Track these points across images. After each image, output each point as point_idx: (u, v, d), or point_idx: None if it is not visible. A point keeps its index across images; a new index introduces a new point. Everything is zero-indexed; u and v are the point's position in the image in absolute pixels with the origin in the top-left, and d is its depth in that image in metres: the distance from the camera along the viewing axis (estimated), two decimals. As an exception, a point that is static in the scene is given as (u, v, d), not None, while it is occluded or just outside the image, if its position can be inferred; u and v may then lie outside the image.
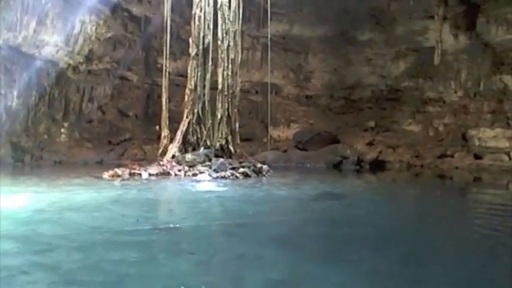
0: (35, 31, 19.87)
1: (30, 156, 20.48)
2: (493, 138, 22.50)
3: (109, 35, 23.28)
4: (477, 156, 21.88)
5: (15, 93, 20.40)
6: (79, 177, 13.57)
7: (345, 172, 20.12)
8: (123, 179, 13.45)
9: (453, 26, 22.66)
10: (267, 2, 18.56)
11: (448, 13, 22.08)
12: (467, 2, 21.85)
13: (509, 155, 21.39)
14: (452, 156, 22.33)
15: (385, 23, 24.53)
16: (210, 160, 15.94)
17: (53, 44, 20.93)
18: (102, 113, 24.49)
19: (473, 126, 23.16)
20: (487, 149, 22.28)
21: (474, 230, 6.95)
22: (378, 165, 21.98)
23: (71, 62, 22.49)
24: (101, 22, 22.58)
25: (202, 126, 17.50)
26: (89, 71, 23.54)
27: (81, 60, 22.83)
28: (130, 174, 14.26)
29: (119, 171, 14.19)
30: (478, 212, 9.16)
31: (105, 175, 13.61)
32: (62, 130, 22.60)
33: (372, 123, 25.79)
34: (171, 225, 6.93)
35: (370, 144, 24.19)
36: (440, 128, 24.49)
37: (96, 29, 22.49)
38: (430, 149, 23.14)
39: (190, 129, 17.34)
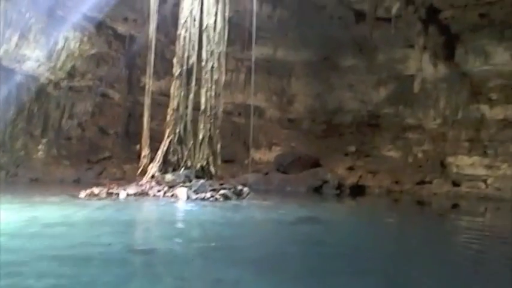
0: (16, 45, 19.63)
1: (5, 173, 19.96)
2: (470, 166, 22.85)
3: (92, 51, 23.14)
4: (455, 183, 22.15)
5: (-8, 107, 20.02)
6: (54, 195, 13.24)
7: (325, 196, 20.11)
8: (100, 199, 13.17)
9: (433, 55, 23.18)
10: (252, 25, 18.74)
11: (428, 43, 22.60)
12: (446, 32, 22.45)
13: (486, 183, 21.72)
14: (430, 183, 22.55)
15: (368, 51, 24.99)
16: (190, 181, 15.76)
17: (34, 59, 20.69)
18: (82, 130, 24.14)
19: (451, 154, 23.51)
20: (465, 176, 22.57)
21: (446, 255, 6.95)
22: (357, 190, 22.03)
23: (52, 77, 22.21)
24: (85, 39, 22.46)
25: (183, 146, 17.34)
26: (70, 88, 23.26)
27: (63, 76, 22.58)
28: (107, 193, 13.98)
29: (96, 190, 13.90)
30: (453, 238, 9.20)
31: (82, 194, 13.32)
32: (40, 146, 22.14)
33: (352, 148, 25.99)
34: (146, 247, 6.75)
35: (350, 168, 24.30)
36: (420, 155, 24.79)
37: (79, 45, 22.34)
38: (409, 175, 23.34)
39: (171, 149, 17.17)
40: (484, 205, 18.09)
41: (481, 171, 22.37)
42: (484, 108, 22.91)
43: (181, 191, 14.52)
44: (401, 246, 7.98)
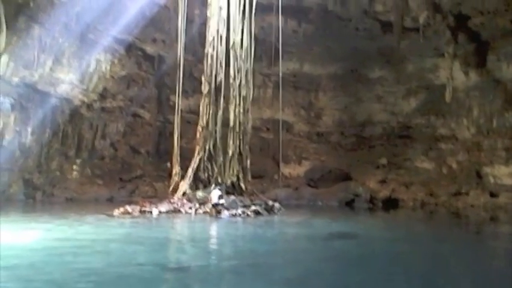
0: (51, 69, 20.32)
1: (41, 193, 20.51)
2: (509, 176, 22.01)
3: (123, 73, 23.71)
4: (493, 194, 21.38)
5: (29, 130, 20.67)
6: (89, 214, 13.48)
7: (357, 210, 19.78)
8: (134, 217, 13.33)
9: (463, 63, 22.67)
10: (278, 41, 18.87)
11: (458, 51, 22.13)
12: (477, 39, 21.96)
13: (526, 193, 20.86)
14: (467, 194, 21.84)
15: (395, 61, 24.67)
16: (221, 197, 15.79)
17: (68, 81, 21.35)
18: (114, 149, 24.63)
19: (488, 164, 22.74)
20: (503, 186, 21.77)
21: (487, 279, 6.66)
22: (391, 203, 21.60)
23: (85, 99, 22.85)
24: (116, 61, 23.05)
25: (213, 163, 17.45)
26: (103, 109, 23.86)
27: (95, 98, 23.19)
28: (140, 211, 14.16)
29: (129, 208, 14.11)
30: (495, 256, 8.84)
31: (116, 212, 13.51)
32: (74, 167, 22.69)
33: (383, 161, 25.51)
34: (181, 265, 6.75)
35: (382, 181, 23.84)
36: (454, 166, 24.10)
37: (110, 67, 22.94)
38: (444, 186, 22.71)
39: (202, 166, 17.30)
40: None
41: (520, 181, 21.53)
42: (520, 116, 22.14)
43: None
44: (436, 264, 7.69)
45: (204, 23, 18.94)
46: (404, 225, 14.75)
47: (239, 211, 14.41)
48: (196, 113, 18.85)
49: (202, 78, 18.00)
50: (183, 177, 17.48)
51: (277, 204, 16.13)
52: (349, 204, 21.32)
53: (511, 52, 21.60)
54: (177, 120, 18.65)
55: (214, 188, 16.21)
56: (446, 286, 5.77)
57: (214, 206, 14.07)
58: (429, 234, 12.06)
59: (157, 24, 22.58)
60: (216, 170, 17.33)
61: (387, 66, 25.25)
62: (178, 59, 18.59)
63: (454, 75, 22.15)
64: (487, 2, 20.08)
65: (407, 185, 23.28)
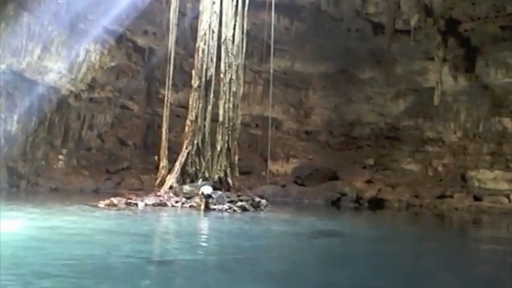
0: (39, 57, 20.03)
1: (26, 182, 20.24)
2: (493, 180, 22.35)
3: (112, 64, 23.46)
4: (476, 198, 21.68)
5: (15, 117, 20.37)
6: (74, 205, 13.36)
7: (343, 209, 19.89)
8: (119, 209, 13.23)
9: (453, 67, 22.91)
10: (270, 38, 18.81)
11: (447, 55, 22.34)
12: (466, 45, 22.18)
13: (508, 198, 21.17)
14: (451, 197, 22.11)
15: (386, 63, 24.82)
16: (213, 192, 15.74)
17: (56, 70, 21.07)
18: (101, 141, 24.39)
19: (473, 168, 23.06)
20: (487, 190, 22.09)
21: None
22: (376, 204, 21.74)
23: (73, 89, 22.57)
24: (105, 51, 22.80)
25: (201, 157, 17.39)
26: (91, 99, 23.58)
27: (84, 88, 22.91)
28: (126, 203, 14.06)
29: (114, 200, 13.99)
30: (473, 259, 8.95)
31: (101, 204, 13.40)
32: (60, 157, 22.43)
33: (371, 161, 25.69)
34: (165, 259, 6.73)
35: (369, 182, 24.00)
36: (440, 168, 24.39)
37: (100, 57, 22.68)
38: (429, 188, 22.95)
39: (189, 161, 17.22)
40: (506, 221, 17.65)
41: (504, 186, 21.87)
42: (506, 121, 22.48)
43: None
44: (417, 264, 7.78)
45: (196, 17, 18.83)
46: (389, 226, 14.88)
47: (226, 206, 14.40)
48: (186, 106, 18.77)
49: (193, 72, 17.90)
50: (170, 170, 17.38)
51: (263, 201, 16.14)
52: (335, 203, 21.42)
53: (499, 58, 21.91)
54: (166, 113, 18.54)
55: (202, 183, 16.15)
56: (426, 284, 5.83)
57: (207, 197, 13.92)
58: (413, 235, 12.18)
59: (149, 16, 22.39)
60: (203, 164, 17.28)
61: (377, 68, 25.41)
62: (169, 52, 18.47)
63: (442, 79, 22.33)
64: (478, 8, 20.31)
65: (393, 186, 23.48)
